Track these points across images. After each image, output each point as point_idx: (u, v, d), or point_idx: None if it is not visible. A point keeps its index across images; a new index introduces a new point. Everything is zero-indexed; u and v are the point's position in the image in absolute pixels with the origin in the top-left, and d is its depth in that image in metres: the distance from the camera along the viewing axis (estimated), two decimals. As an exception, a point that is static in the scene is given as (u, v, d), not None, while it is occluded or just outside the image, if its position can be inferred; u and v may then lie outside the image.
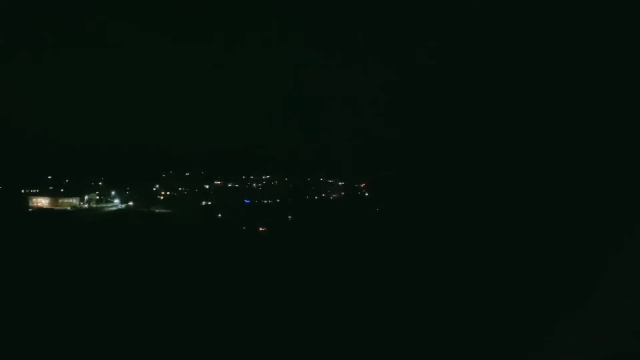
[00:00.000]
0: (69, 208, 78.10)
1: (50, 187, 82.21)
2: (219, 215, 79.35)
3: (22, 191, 79.10)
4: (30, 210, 75.37)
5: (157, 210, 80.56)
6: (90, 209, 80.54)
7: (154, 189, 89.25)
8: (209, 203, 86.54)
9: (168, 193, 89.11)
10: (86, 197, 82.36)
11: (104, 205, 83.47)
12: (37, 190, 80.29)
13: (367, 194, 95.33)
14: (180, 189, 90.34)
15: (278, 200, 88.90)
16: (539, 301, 25.95)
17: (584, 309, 20.01)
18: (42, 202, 78.15)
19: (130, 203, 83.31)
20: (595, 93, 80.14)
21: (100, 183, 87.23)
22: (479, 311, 25.12)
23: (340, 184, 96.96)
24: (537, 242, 43.64)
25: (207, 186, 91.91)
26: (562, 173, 68.83)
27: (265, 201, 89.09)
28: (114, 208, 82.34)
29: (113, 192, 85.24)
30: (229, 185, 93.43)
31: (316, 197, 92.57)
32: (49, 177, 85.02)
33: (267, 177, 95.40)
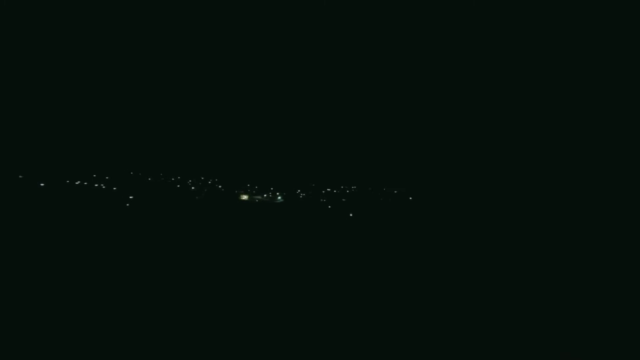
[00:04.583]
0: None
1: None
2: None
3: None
4: None
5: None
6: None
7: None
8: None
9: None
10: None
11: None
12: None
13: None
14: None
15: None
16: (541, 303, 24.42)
17: (584, 309, 18.65)
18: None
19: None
20: (595, 93, 78.78)
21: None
22: (481, 313, 23.71)
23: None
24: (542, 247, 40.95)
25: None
26: (562, 174, 67.51)
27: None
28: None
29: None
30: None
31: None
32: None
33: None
